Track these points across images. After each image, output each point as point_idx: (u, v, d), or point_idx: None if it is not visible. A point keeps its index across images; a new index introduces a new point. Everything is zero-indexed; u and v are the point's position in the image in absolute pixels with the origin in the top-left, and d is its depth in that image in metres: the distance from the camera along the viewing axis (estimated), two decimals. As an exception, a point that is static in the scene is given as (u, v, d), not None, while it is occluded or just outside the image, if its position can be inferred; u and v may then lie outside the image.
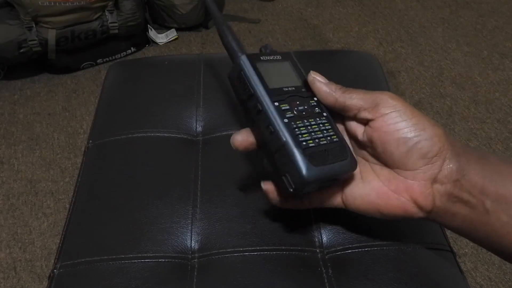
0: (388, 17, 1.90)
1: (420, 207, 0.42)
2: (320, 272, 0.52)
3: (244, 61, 0.46)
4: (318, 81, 0.46)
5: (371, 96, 0.43)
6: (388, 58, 1.71)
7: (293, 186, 0.42)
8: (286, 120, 0.43)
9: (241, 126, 0.66)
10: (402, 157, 0.42)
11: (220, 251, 0.53)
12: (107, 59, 1.68)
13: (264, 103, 0.44)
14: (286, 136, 0.43)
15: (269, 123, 0.43)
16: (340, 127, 0.48)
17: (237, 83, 0.46)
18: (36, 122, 1.50)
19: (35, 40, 1.49)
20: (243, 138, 0.46)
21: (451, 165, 0.41)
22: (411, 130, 0.41)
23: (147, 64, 0.84)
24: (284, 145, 0.42)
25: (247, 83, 0.45)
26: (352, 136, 0.48)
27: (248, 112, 0.45)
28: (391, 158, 0.43)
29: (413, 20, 1.88)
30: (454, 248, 0.57)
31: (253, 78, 0.45)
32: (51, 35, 1.51)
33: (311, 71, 0.47)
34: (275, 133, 0.43)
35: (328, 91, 0.45)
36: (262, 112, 0.44)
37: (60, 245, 0.57)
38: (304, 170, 0.42)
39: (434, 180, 0.41)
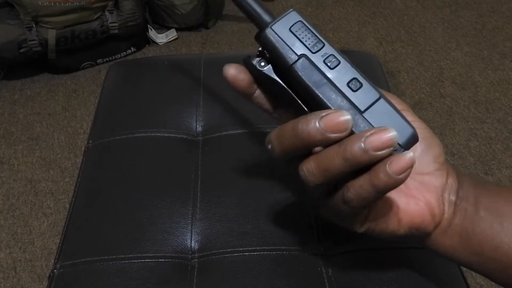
0: (388, 17, 1.90)
1: (433, 215, 0.40)
2: (320, 272, 0.52)
3: (299, 13, 0.38)
4: None
5: None
6: (388, 58, 1.71)
7: (404, 146, 0.35)
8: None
9: (241, 126, 0.66)
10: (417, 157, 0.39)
11: (220, 251, 0.53)
12: (107, 59, 1.68)
13: (340, 55, 0.37)
14: (377, 89, 0.36)
15: (352, 77, 0.36)
16: None
17: (288, 40, 0.37)
18: (36, 122, 1.50)
19: (35, 40, 1.49)
20: (238, 73, 0.40)
21: (453, 174, 0.41)
22: (426, 131, 0.40)
23: (147, 64, 0.84)
24: (378, 100, 0.36)
25: (312, 34, 0.37)
26: None
27: (305, 76, 0.36)
28: None
29: (413, 20, 1.88)
30: (454, 248, 0.57)
31: (316, 29, 0.37)
32: (51, 35, 1.51)
33: None
34: (363, 88, 0.36)
35: None
36: (339, 66, 0.36)
37: (60, 245, 0.57)
38: (411, 125, 0.36)
39: (443, 189, 0.40)
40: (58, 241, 0.58)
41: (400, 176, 0.32)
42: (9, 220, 1.25)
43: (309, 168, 0.35)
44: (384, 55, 1.72)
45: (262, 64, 0.38)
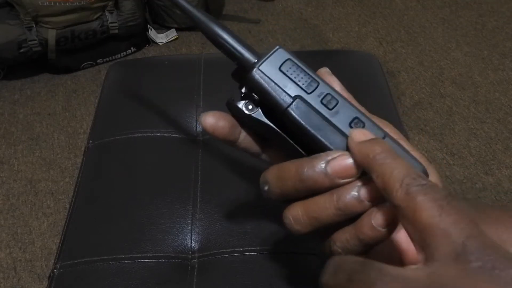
0: (388, 17, 1.90)
1: None
2: (320, 272, 0.52)
3: (286, 50, 0.35)
4: None
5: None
6: (388, 58, 1.71)
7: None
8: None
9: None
10: None
11: (220, 251, 0.53)
12: (107, 59, 1.68)
13: (336, 94, 0.34)
14: (380, 128, 0.33)
15: (354, 116, 0.33)
16: None
17: (279, 81, 0.34)
18: (36, 122, 1.50)
19: (35, 40, 1.49)
20: (217, 121, 0.36)
21: None
22: (422, 161, 0.35)
23: (147, 64, 0.84)
24: (384, 139, 0.33)
25: (305, 72, 0.34)
26: None
27: (302, 119, 0.33)
28: None
29: (413, 20, 1.88)
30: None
31: (307, 67, 0.34)
32: (51, 35, 1.51)
33: None
34: (366, 128, 0.33)
35: None
36: (338, 105, 0.33)
37: (60, 245, 0.57)
38: (419, 161, 0.33)
39: None
40: (58, 241, 0.58)
41: (387, 229, 0.29)
42: (9, 220, 1.25)
43: (297, 216, 0.31)
44: (384, 55, 1.72)
45: (250, 107, 0.35)
